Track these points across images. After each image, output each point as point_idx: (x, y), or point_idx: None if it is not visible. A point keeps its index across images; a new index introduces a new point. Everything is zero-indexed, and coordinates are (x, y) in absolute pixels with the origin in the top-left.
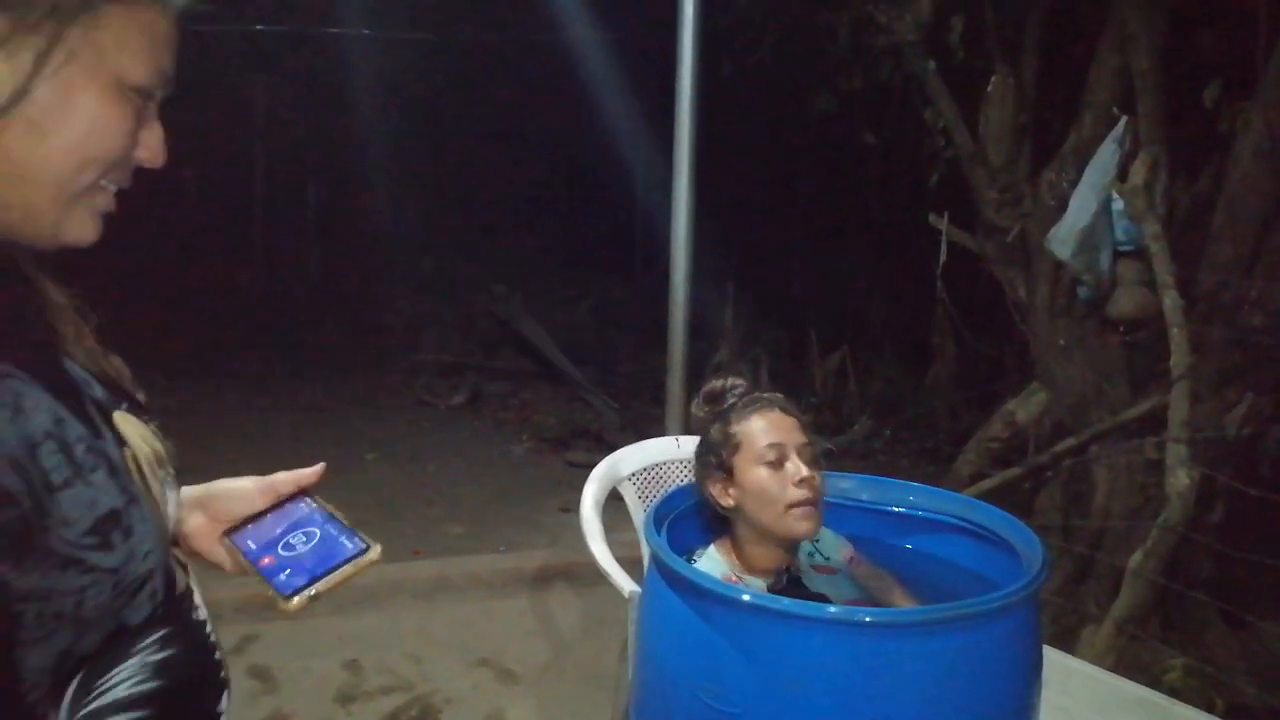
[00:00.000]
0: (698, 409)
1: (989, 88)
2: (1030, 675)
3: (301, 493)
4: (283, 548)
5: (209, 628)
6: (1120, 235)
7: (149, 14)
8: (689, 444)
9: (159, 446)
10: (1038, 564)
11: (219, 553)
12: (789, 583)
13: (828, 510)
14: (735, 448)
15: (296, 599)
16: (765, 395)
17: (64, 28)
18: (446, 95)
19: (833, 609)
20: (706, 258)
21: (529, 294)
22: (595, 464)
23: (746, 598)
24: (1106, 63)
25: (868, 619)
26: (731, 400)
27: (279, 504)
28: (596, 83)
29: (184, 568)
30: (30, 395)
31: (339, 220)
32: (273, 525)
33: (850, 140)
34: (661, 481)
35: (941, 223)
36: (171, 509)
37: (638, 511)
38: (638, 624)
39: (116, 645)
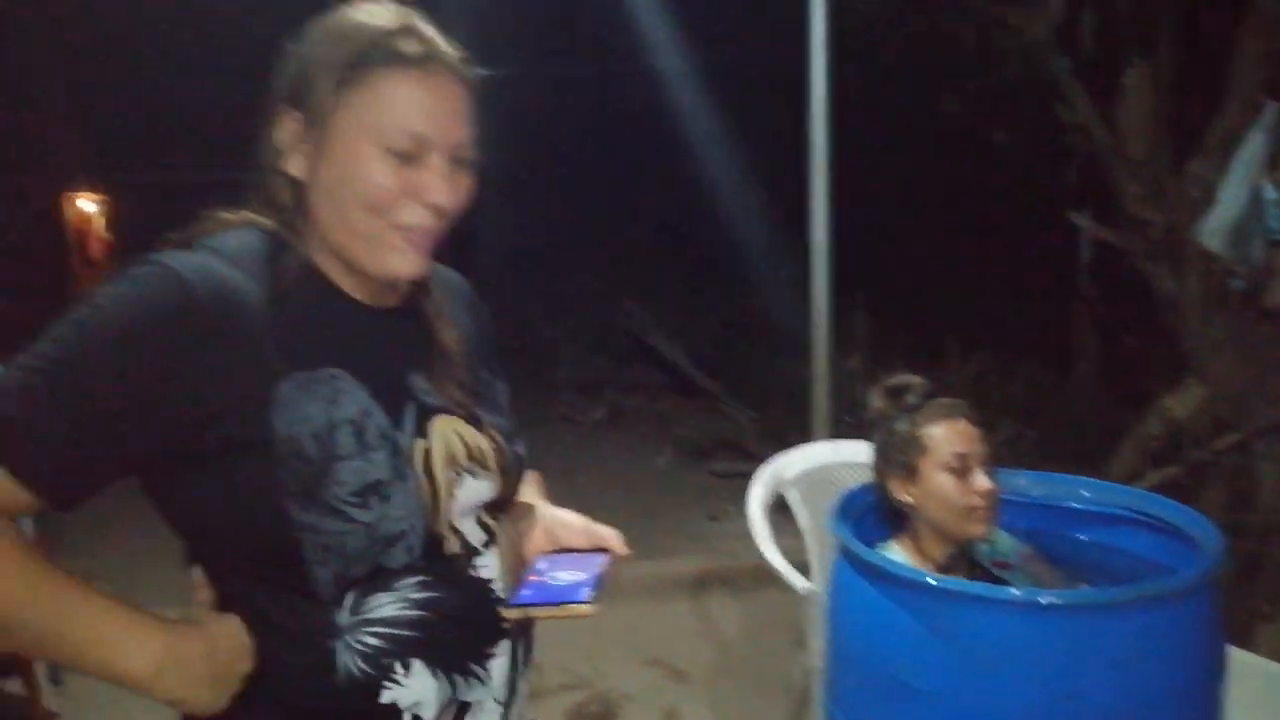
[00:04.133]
0: (876, 400)
1: (1125, 80)
2: (1212, 661)
3: (606, 550)
4: (546, 574)
5: (494, 585)
6: (1273, 224)
7: (396, 86)
8: (848, 448)
9: (476, 446)
10: (1215, 551)
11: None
12: (971, 566)
13: (1002, 506)
14: (922, 450)
15: (510, 612)
16: (950, 401)
17: (330, 112)
18: (569, 122)
19: (1016, 591)
20: (835, 263)
21: (659, 308)
22: (741, 473)
23: (935, 582)
24: (1250, 48)
25: (1050, 600)
26: (911, 398)
27: (589, 549)
28: (718, 100)
29: (490, 536)
30: (348, 390)
31: (468, 245)
32: (562, 562)
33: (980, 140)
34: (824, 485)
35: (1083, 219)
36: (467, 491)
37: (802, 514)
38: (829, 614)
39: (379, 578)
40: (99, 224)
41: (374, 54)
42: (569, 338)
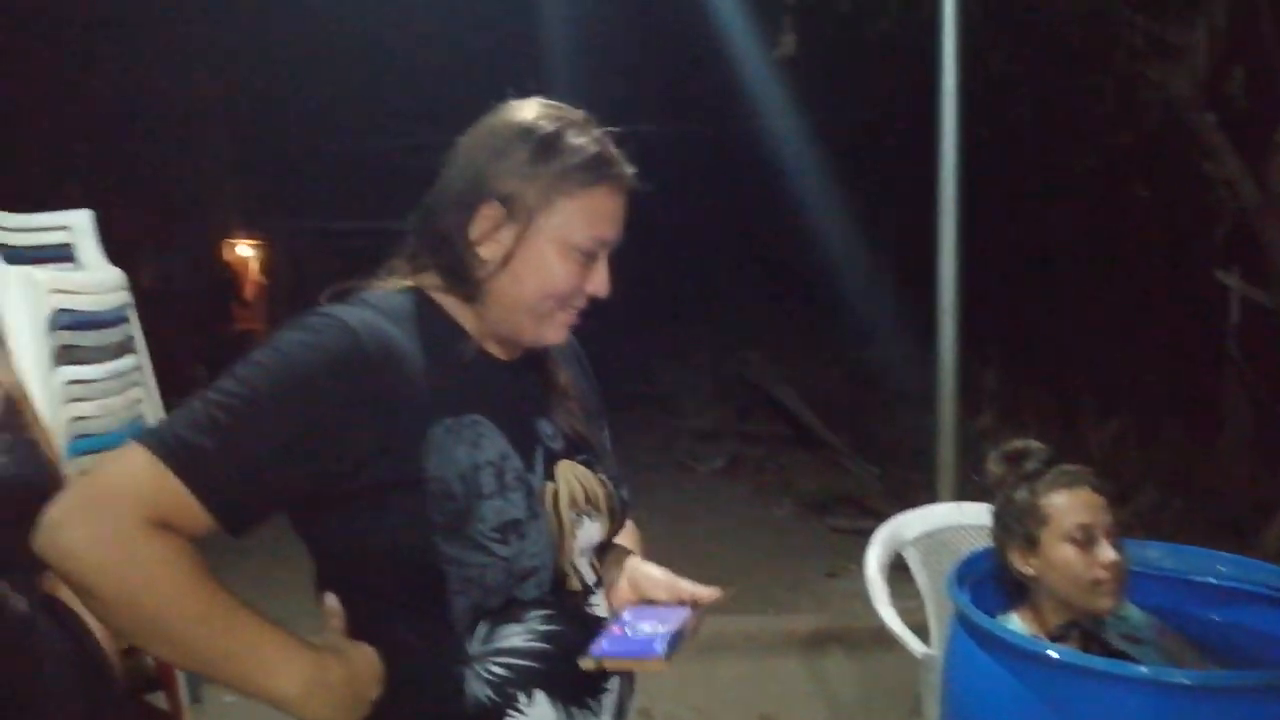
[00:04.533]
0: (995, 466)
1: (1277, 135)
2: None
3: (694, 604)
4: (627, 625)
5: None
6: None
7: (592, 200)
8: (971, 510)
9: (592, 490)
10: None
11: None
12: (1086, 639)
13: (1132, 580)
14: (1043, 520)
15: (585, 661)
16: (1073, 469)
17: (534, 215)
18: (694, 176)
19: (1144, 669)
20: (965, 320)
21: (781, 359)
22: (861, 529)
23: (1057, 654)
24: None
25: (1182, 680)
26: (1031, 464)
27: (673, 604)
28: (844, 155)
29: (598, 576)
30: (488, 435)
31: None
32: (645, 615)
33: (1120, 194)
34: (945, 547)
35: (1231, 278)
36: (585, 532)
37: (921, 576)
38: (944, 682)
39: (511, 610)
40: (254, 268)
41: (582, 173)
42: (690, 386)
